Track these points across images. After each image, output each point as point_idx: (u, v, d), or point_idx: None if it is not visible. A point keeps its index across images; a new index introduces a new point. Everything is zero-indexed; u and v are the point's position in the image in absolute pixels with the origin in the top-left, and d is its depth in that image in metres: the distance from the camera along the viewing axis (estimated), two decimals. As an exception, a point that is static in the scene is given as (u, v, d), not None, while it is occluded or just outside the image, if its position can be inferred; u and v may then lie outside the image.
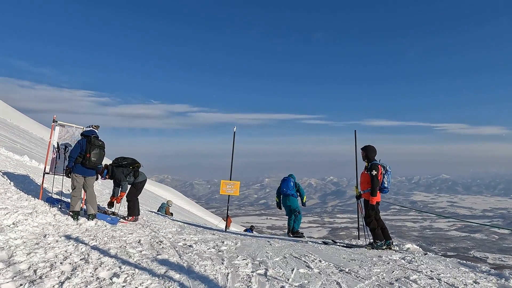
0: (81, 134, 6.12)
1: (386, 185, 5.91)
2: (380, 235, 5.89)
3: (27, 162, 11.09)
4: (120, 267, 3.74)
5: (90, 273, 3.51)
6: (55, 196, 6.81)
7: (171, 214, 14.14)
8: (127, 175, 7.09)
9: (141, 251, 4.53)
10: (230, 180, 8.42)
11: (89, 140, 5.95)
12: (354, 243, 6.61)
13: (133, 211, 6.94)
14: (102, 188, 12.39)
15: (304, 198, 9.40)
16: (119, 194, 7.03)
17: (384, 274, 4.29)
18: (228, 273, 3.93)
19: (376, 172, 6.06)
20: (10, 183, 6.89)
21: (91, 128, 6.24)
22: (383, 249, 5.87)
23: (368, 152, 6.26)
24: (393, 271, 4.44)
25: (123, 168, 7.05)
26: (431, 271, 4.52)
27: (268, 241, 6.56)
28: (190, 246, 5.22)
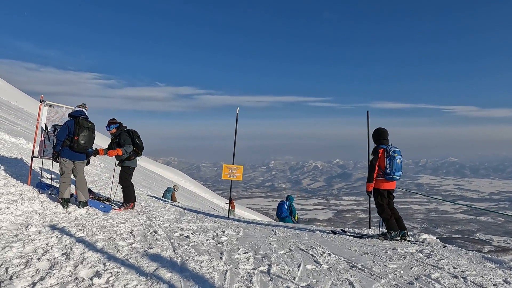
0: (69, 115, 5.64)
1: (388, 171, 5.36)
2: (394, 225, 5.40)
3: (23, 145, 10.73)
4: (104, 264, 3.31)
5: (69, 271, 3.09)
6: (46, 181, 6.41)
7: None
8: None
9: (131, 244, 4.11)
10: (233, 164, 7.95)
11: (77, 121, 5.47)
12: (365, 233, 6.16)
13: (130, 197, 6.50)
14: (102, 171, 12.05)
15: (296, 217, 10.93)
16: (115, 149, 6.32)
17: (402, 271, 3.82)
18: (226, 270, 3.50)
19: (373, 157, 5.55)
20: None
21: (79, 108, 5.75)
22: (397, 240, 5.40)
23: (373, 135, 5.73)
24: (411, 268, 3.97)
25: (130, 136, 6.49)
26: (453, 267, 4.04)
27: (273, 230, 6.13)
28: (187, 237, 4.80)
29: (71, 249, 3.63)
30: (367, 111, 6.86)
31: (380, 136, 5.62)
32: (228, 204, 8.45)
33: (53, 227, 4.38)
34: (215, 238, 4.90)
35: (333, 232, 6.06)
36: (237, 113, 8.10)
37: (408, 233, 5.69)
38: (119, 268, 3.25)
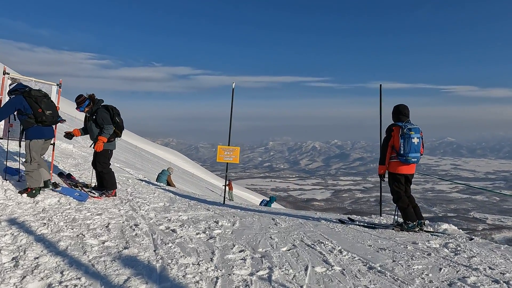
0: (10, 92, 4.74)
1: (402, 152, 4.62)
2: (412, 215, 4.72)
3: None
4: (62, 273, 2.61)
5: (14, 284, 2.39)
6: (13, 166, 5.63)
7: (176, 187, 12.82)
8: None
9: (103, 242, 3.41)
10: (229, 145, 7.19)
11: (28, 94, 4.62)
12: (377, 222, 5.50)
13: (113, 183, 5.73)
14: (90, 154, 11.27)
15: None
16: (97, 138, 5.47)
17: (430, 274, 3.16)
18: (217, 277, 2.81)
19: (386, 135, 4.82)
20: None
21: (17, 82, 4.91)
22: (415, 231, 4.74)
23: (392, 113, 4.97)
24: (441, 269, 3.31)
25: (110, 114, 5.63)
26: (490, 267, 3.38)
27: (273, 219, 5.46)
28: (173, 231, 4.10)
29: (24, 252, 2.92)
30: (380, 85, 6.05)
31: (398, 112, 4.86)
32: (225, 187, 7.72)
33: (12, 222, 3.66)
34: (207, 232, 4.21)
35: (341, 222, 5.40)
36: (233, 89, 7.27)
37: (426, 222, 5.02)
38: (79, 278, 2.55)
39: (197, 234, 4.09)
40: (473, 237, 4.43)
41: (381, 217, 5.80)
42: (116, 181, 7.35)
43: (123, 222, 4.20)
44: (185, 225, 4.42)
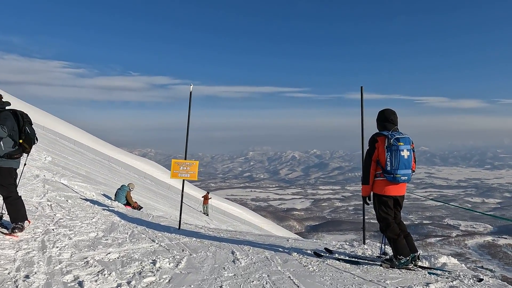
0: None
1: (389, 168, 3.67)
2: (405, 248, 3.76)
3: None
4: None
5: None
6: None
7: (137, 205, 11.37)
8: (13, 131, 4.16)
9: None
10: (186, 159, 6.06)
11: None
12: (360, 253, 4.51)
13: (24, 212, 4.31)
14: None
15: None
16: None
17: None
18: None
19: (369, 148, 3.86)
20: None
21: None
22: (409, 269, 3.77)
23: (377, 119, 4.04)
24: None
25: (18, 123, 4.26)
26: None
27: (233, 253, 4.35)
28: (80, 284, 2.90)
29: None
30: (361, 87, 5.15)
31: (383, 119, 3.92)
32: (181, 207, 6.57)
33: None
34: (133, 282, 3.05)
35: (316, 254, 4.36)
36: (190, 92, 6.19)
37: (419, 255, 4.07)
38: None
39: (117, 287, 2.92)
40: (482, 276, 3.50)
41: (365, 246, 4.82)
42: (49, 203, 6.05)
43: (9, 273, 2.97)
44: (106, 271, 3.23)
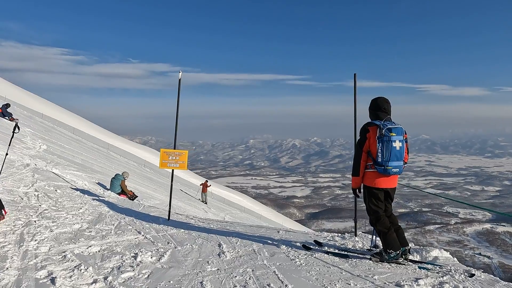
0: None
1: (380, 160, 3.50)
2: (395, 241, 3.63)
3: None
4: None
5: None
6: None
7: (132, 194, 11.25)
8: None
9: None
10: (175, 148, 5.90)
11: None
12: (350, 246, 4.39)
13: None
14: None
15: None
16: None
17: None
18: None
19: (360, 138, 3.69)
20: None
21: None
22: (399, 263, 3.65)
23: (369, 108, 3.85)
24: None
25: None
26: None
27: (219, 245, 4.23)
28: (53, 280, 2.78)
29: None
30: (354, 74, 4.93)
31: (376, 107, 3.73)
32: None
33: None
34: (109, 278, 2.93)
35: (305, 247, 4.24)
36: (179, 79, 5.98)
37: (410, 249, 3.94)
38: None
39: (92, 284, 2.80)
40: (474, 272, 3.38)
41: (356, 238, 4.70)
42: (36, 193, 5.94)
43: (-23, 270, 2.85)
44: (83, 266, 3.11)
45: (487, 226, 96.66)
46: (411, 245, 4.03)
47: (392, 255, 3.65)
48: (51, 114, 33.48)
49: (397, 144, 3.49)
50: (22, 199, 5.49)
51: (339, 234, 5.11)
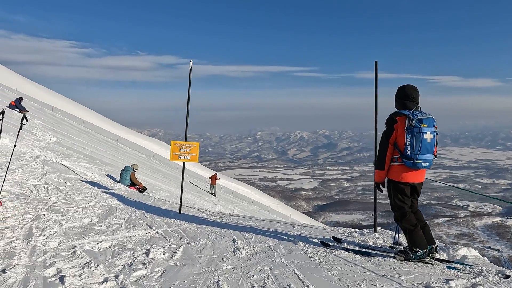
0: None
1: (409, 152, 3.26)
2: (421, 240, 3.40)
3: None
4: None
5: None
6: None
7: (142, 186, 11.13)
8: None
9: None
10: (186, 140, 5.72)
11: None
12: (371, 243, 4.18)
13: None
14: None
15: None
16: None
17: None
18: None
19: (385, 128, 3.43)
20: None
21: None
22: (426, 262, 3.43)
23: (396, 96, 3.58)
24: None
25: None
26: None
27: (234, 241, 4.06)
28: (62, 279, 2.64)
29: None
30: (375, 62, 4.65)
31: (403, 96, 3.47)
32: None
33: None
34: (121, 276, 2.78)
35: (324, 244, 4.04)
36: (190, 69, 5.76)
37: (437, 247, 3.71)
38: None
39: (102, 283, 2.65)
40: (509, 273, 3.14)
41: (376, 235, 4.48)
42: (46, 185, 5.84)
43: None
44: (93, 263, 2.97)
45: (497, 219, 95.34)
46: (437, 243, 3.80)
47: (418, 254, 3.42)
48: (61, 106, 33.67)
49: (428, 136, 3.24)
50: (32, 191, 5.39)
51: (357, 230, 4.90)
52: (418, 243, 3.41)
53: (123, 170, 11.24)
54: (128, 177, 11.01)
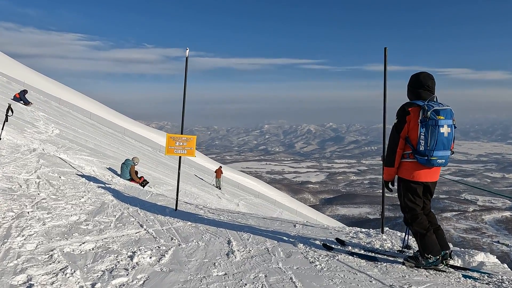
0: None
1: (422, 148, 2.91)
2: (435, 245, 3.06)
3: None
4: None
5: None
6: None
7: (144, 180, 10.90)
8: None
9: None
10: (182, 133, 5.42)
11: None
12: (377, 246, 3.85)
13: None
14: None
15: None
16: None
17: None
18: None
19: (397, 120, 3.06)
20: None
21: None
22: (439, 269, 3.09)
23: (409, 84, 3.20)
24: None
25: None
26: None
27: (229, 242, 3.77)
28: (30, 289, 2.38)
29: None
30: (385, 48, 4.26)
31: (417, 84, 3.09)
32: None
33: None
34: (99, 284, 2.50)
35: (326, 247, 3.72)
36: (186, 57, 5.43)
37: (451, 253, 3.35)
38: None
39: (75, 293, 2.37)
40: (534, 284, 2.79)
41: (384, 236, 4.14)
42: (38, 180, 5.61)
43: None
44: (69, 269, 2.69)
45: (507, 214, 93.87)
46: (452, 248, 3.45)
47: (431, 261, 3.08)
48: (68, 99, 33.69)
49: (445, 130, 2.87)
50: (21, 186, 5.16)
51: (363, 230, 4.57)
52: (431, 248, 3.06)
53: (123, 163, 11.03)
54: (128, 171, 10.79)
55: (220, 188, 23.23)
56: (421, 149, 2.94)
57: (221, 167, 25.20)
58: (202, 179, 24.91)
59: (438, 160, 2.92)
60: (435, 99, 3.05)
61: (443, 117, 2.87)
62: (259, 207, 22.42)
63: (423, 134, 2.91)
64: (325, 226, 5.14)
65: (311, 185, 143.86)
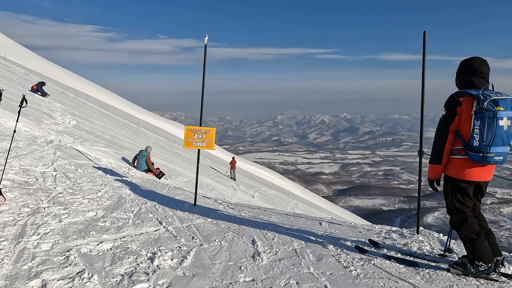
0: None
1: (477, 144, 2.55)
2: (487, 251, 2.73)
3: None
4: None
5: None
6: None
7: (160, 172, 10.76)
8: None
9: None
10: (201, 125, 5.17)
11: None
12: (415, 249, 3.53)
13: None
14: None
15: None
16: None
17: None
18: None
19: (445, 112, 2.69)
20: None
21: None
22: (492, 279, 2.76)
23: (459, 70, 2.82)
24: None
25: None
26: None
27: (253, 242, 3.52)
28: (45, 296, 2.19)
29: None
30: (424, 32, 3.85)
31: (470, 71, 2.71)
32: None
33: None
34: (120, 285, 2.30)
35: (359, 249, 3.42)
36: (205, 45, 5.13)
37: (504, 260, 3.01)
38: None
39: (93, 301, 2.18)
40: None
41: (420, 237, 3.81)
42: (55, 173, 5.49)
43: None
44: (86, 273, 2.50)
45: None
46: (505, 254, 3.10)
47: (481, 269, 2.75)
48: (85, 90, 34.06)
49: (504, 123, 2.50)
50: (37, 180, 5.05)
51: (395, 230, 4.24)
52: (482, 255, 2.73)
53: (138, 154, 10.92)
54: (144, 161, 10.68)
55: (234, 179, 23.13)
56: (475, 144, 2.59)
57: (234, 157, 25.05)
58: (216, 170, 24.86)
59: (495, 157, 2.56)
60: (491, 88, 2.67)
61: (502, 108, 2.50)
62: (274, 199, 22.24)
63: (478, 127, 2.56)
64: (353, 224, 4.84)
65: (325, 176, 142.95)
